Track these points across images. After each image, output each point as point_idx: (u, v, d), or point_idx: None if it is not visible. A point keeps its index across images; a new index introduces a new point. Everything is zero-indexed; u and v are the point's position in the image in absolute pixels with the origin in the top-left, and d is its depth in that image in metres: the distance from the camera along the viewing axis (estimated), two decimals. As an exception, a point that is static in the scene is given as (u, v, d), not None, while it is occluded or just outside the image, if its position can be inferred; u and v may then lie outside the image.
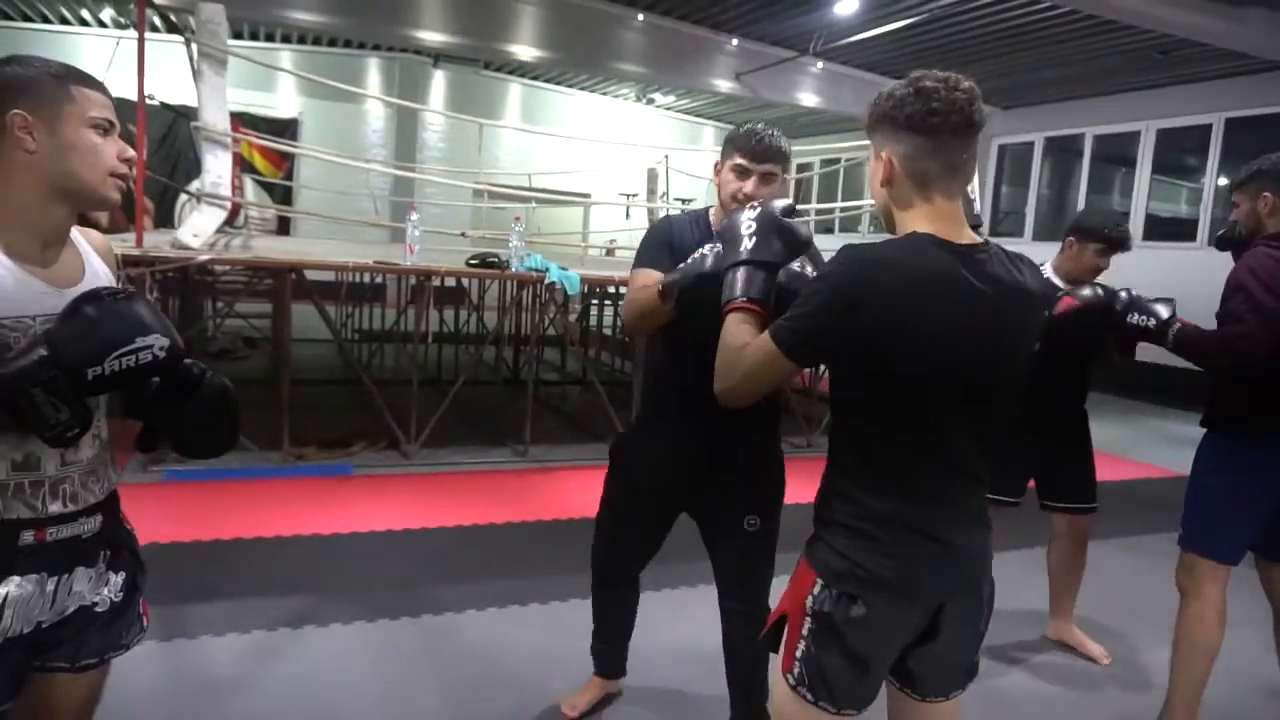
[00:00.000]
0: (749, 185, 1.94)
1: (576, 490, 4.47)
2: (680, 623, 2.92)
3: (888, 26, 8.29)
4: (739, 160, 1.95)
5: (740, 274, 1.43)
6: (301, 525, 3.66)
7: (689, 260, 1.81)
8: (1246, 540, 2.31)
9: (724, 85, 10.26)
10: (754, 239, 1.44)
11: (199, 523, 3.59)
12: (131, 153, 1.32)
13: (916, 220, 1.30)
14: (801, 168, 14.86)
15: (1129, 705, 2.70)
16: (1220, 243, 2.49)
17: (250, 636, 2.74)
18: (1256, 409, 2.24)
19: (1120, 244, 2.83)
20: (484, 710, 2.45)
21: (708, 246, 1.79)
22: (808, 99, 10.64)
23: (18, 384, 1.13)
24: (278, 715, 2.34)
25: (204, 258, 4.15)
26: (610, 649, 2.48)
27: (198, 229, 4.38)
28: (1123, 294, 2.49)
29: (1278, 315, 2.12)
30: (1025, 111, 10.52)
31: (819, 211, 12.77)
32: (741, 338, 1.36)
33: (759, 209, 1.48)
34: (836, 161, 12.24)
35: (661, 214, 11.33)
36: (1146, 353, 2.54)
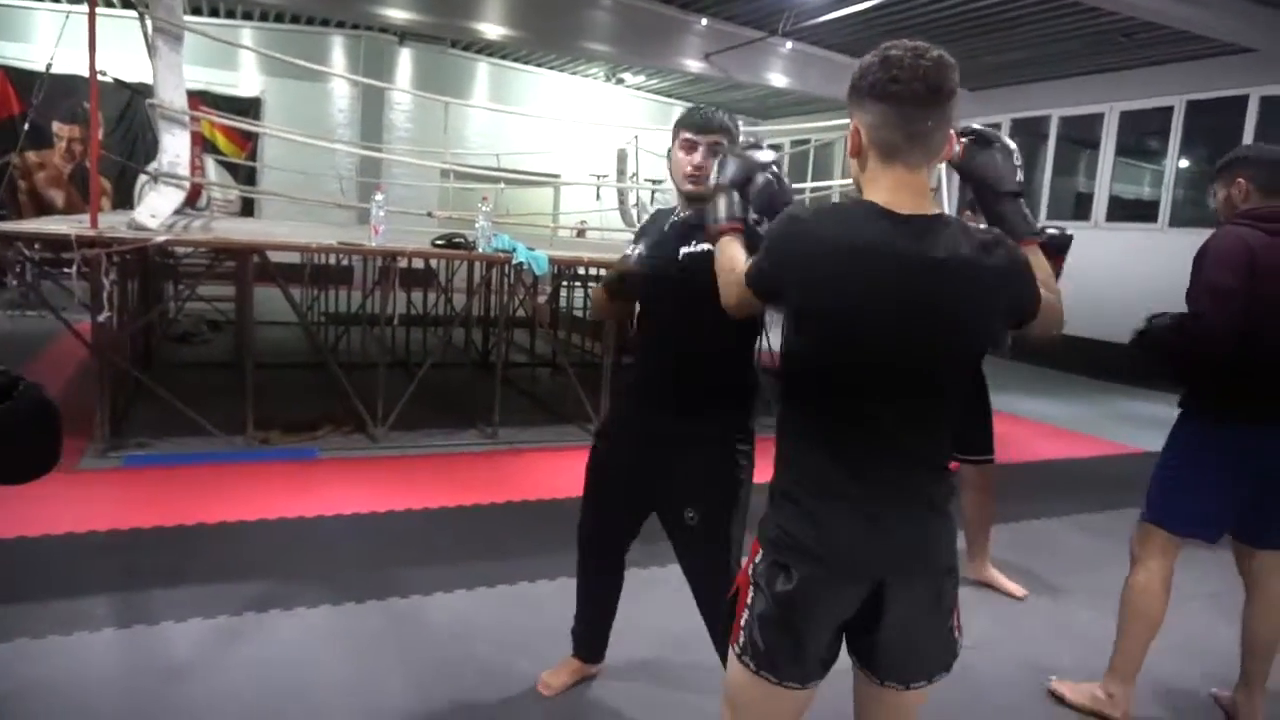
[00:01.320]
0: (697, 156, 2.01)
1: (546, 472, 4.46)
2: (658, 602, 2.93)
3: (856, 7, 8.29)
4: (685, 135, 2.03)
5: (719, 199, 1.65)
6: (267, 510, 3.61)
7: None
8: (1201, 519, 2.36)
9: (694, 65, 10.22)
10: (723, 170, 1.69)
11: (161, 508, 3.53)
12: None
13: (877, 191, 1.29)
14: (772, 149, 14.86)
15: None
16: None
17: (214, 621, 2.71)
18: (1223, 397, 2.27)
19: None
20: (451, 692, 2.44)
21: (629, 247, 2.02)
22: (777, 79, 10.63)
23: None
24: (241, 698, 2.32)
25: (161, 239, 4.05)
26: (589, 631, 2.48)
27: (155, 209, 4.28)
28: None
29: (1232, 292, 2.14)
30: (992, 94, 10.58)
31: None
32: (735, 260, 1.53)
33: (726, 153, 1.74)
34: (806, 142, 12.25)
35: (631, 195, 11.29)
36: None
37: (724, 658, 2.08)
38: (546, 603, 2.94)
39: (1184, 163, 8.68)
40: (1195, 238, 2.44)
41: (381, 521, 3.64)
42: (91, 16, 3.95)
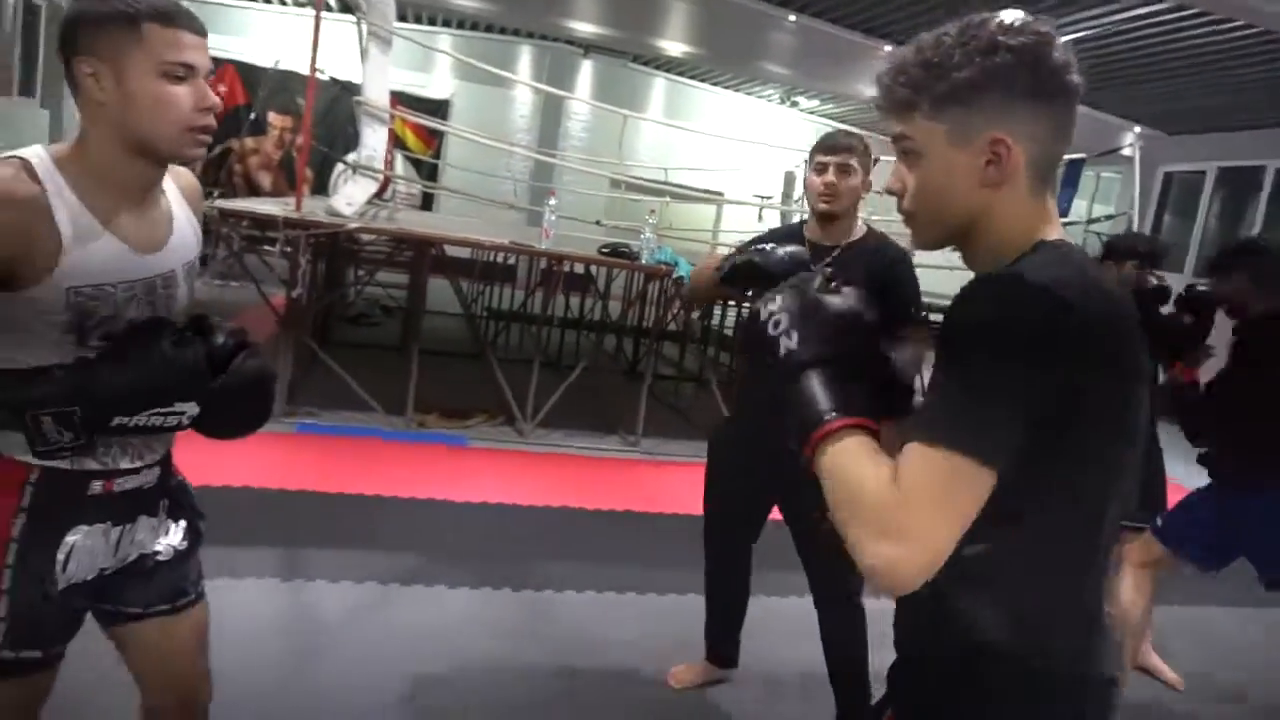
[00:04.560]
0: (828, 176, 2.13)
1: (684, 486, 4.47)
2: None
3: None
4: (817, 158, 2.17)
5: (807, 385, 0.93)
6: (418, 489, 3.81)
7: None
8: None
9: (873, 91, 10.03)
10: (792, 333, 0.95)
11: (324, 475, 3.80)
12: (214, 100, 1.14)
13: (1049, 230, 0.96)
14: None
15: None
16: None
17: (363, 586, 2.88)
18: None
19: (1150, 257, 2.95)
20: (574, 686, 2.49)
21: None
22: (958, 111, 10.28)
23: (29, 408, 1.10)
24: (383, 661, 2.46)
25: (354, 225, 4.37)
26: (721, 632, 2.51)
27: (351, 198, 4.61)
28: None
29: None
30: (1196, 139, 9.83)
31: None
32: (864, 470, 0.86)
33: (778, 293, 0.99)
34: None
35: (795, 218, 11.23)
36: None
37: (843, 660, 2.19)
38: (675, 616, 2.95)
39: None
40: None
41: (522, 514, 3.77)
42: (317, 20, 4.32)
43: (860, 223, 2.24)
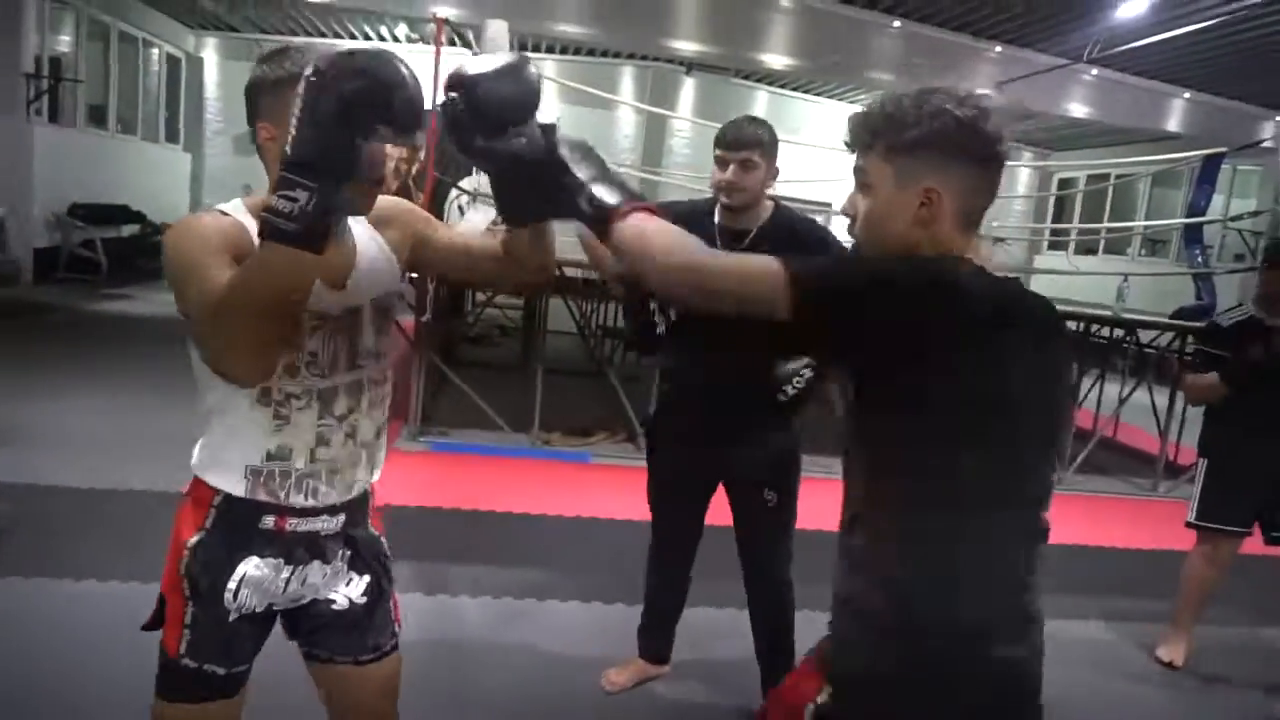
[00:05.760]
0: (729, 173, 2.10)
1: (804, 504, 4.44)
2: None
3: (1179, 30, 7.53)
4: (717, 152, 2.13)
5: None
6: (545, 505, 3.92)
7: None
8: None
9: (982, 91, 9.75)
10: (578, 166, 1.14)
11: (457, 492, 3.95)
12: (389, 150, 1.20)
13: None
14: (1064, 184, 13.82)
15: None
16: None
17: (500, 601, 2.98)
18: None
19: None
20: (711, 698, 2.51)
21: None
22: (1078, 109, 9.89)
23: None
24: (519, 677, 2.54)
25: (477, 251, 4.54)
26: (656, 631, 2.59)
27: (474, 224, 4.80)
28: None
29: None
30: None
31: (1081, 232, 11.86)
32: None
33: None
34: (1105, 178, 11.28)
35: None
36: None
37: (772, 651, 2.35)
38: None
39: None
40: None
41: (645, 531, 3.81)
42: (437, 55, 4.54)
43: (767, 203, 2.22)
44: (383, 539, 1.46)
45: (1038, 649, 1.08)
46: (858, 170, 1.15)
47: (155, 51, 11.61)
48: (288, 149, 0.98)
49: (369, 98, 0.99)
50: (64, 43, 9.48)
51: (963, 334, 1.00)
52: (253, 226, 1.16)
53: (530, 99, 1.10)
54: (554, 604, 3.01)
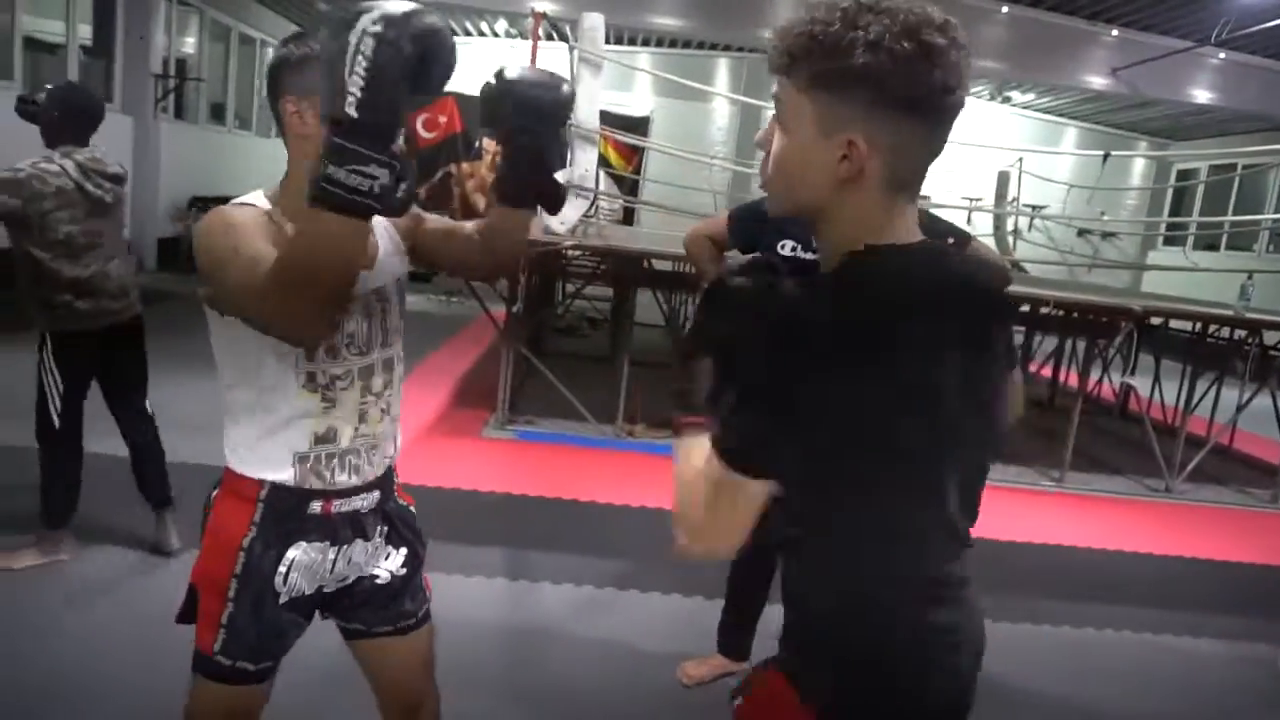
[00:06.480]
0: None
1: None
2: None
3: (1320, 10, 7.01)
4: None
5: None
6: (629, 496, 3.94)
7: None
8: None
9: (1097, 82, 9.32)
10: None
11: (543, 480, 4.02)
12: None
13: (879, 234, 0.93)
14: (1184, 175, 13.06)
15: None
16: None
17: (582, 590, 3.02)
18: None
19: None
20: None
21: None
22: (1202, 95, 9.33)
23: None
24: (600, 665, 2.57)
25: (569, 243, 4.60)
26: (736, 627, 2.57)
27: (564, 217, 4.85)
28: None
29: None
30: None
31: (1202, 226, 11.25)
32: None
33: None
34: (1230, 168, 10.60)
35: (1009, 221, 10.55)
36: None
37: None
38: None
39: None
40: None
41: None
42: (534, 51, 4.60)
43: None
44: (411, 507, 1.50)
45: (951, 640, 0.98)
46: (775, 98, 0.93)
47: (271, 51, 12.14)
48: (352, 111, 0.92)
49: (438, 57, 0.97)
50: (188, 44, 10.03)
51: (832, 371, 0.85)
52: (276, 214, 1.22)
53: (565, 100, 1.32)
54: (634, 594, 3.03)
